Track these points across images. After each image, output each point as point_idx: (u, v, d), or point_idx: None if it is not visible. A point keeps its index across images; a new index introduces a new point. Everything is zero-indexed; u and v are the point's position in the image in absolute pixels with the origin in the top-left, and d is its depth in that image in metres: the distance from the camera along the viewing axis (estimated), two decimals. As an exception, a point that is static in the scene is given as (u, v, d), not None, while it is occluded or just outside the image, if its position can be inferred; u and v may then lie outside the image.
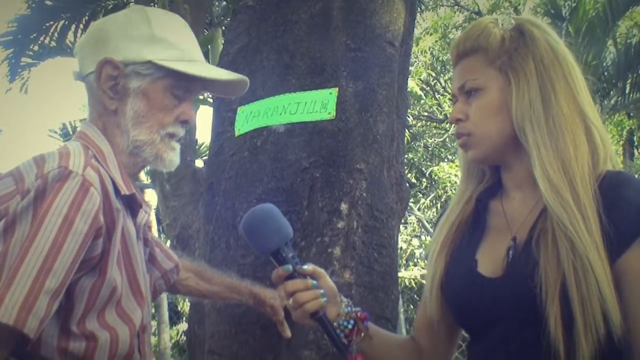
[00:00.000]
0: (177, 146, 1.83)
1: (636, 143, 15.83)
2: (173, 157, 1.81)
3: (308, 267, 1.63)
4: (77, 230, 1.53)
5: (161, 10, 1.93)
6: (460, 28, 16.73)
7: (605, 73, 11.13)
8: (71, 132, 12.92)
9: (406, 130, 6.67)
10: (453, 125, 1.68)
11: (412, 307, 13.90)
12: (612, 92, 11.30)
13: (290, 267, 1.60)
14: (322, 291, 1.61)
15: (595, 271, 1.38)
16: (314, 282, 1.61)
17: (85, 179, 1.58)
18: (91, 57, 1.79)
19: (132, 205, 1.78)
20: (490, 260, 1.55)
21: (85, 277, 1.61)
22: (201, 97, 6.43)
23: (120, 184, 1.71)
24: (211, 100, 4.66)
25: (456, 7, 17.36)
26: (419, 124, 16.79)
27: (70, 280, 1.55)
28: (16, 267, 1.46)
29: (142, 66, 1.75)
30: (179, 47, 1.79)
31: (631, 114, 14.08)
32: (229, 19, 7.28)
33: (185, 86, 1.79)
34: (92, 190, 1.58)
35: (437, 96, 16.70)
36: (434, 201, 14.80)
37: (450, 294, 1.61)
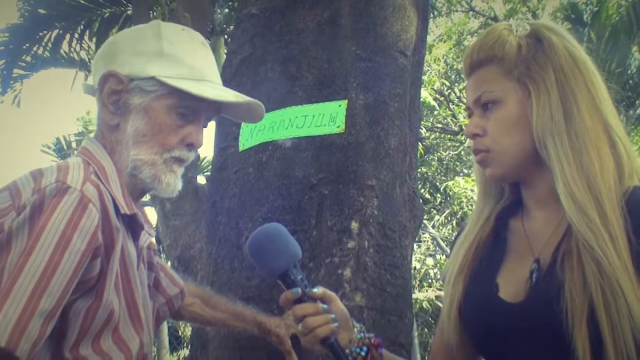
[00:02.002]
0: (180, 170, 1.82)
1: (663, 155, 15.76)
2: (171, 180, 1.79)
3: (318, 290, 1.62)
4: (74, 249, 1.53)
5: (177, 25, 1.92)
6: (475, 34, 16.74)
7: (630, 81, 11.11)
8: (65, 147, 12.93)
9: (419, 143, 6.66)
10: (469, 138, 1.67)
11: (427, 330, 13.84)
12: (637, 102, 11.28)
13: (299, 290, 1.60)
14: (333, 316, 1.61)
15: (625, 295, 1.37)
16: (325, 306, 1.61)
17: (84, 195, 1.57)
18: (100, 70, 1.80)
19: (134, 226, 1.78)
20: (511, 283, 1.54)
21: (81, 299, 1.60)
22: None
23: (121, 202, 1.71)
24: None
25: (471, 12, 17.38)
26: (433, 136, 16.78)
27: (65, 302, 1.54)
28: (10, 286, 1.45)
29: (146, 82, 1.75)
30: (187, 64, 1.78)
31: (658, 125, 14.05)
32: (231, 27, 7.31)
33: (192, 106, 1.78)
34: (91, 206, 1.58)
35: (451, 106, 16.69)
36: (449, 218, 14.77)
37: (469, 320, 1.59)
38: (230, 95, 1.83)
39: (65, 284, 1.52)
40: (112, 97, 1.77)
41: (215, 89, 1.81)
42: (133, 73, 1.75)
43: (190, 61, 1.79)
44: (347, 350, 1.64)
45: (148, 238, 1.87)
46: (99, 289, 1.62)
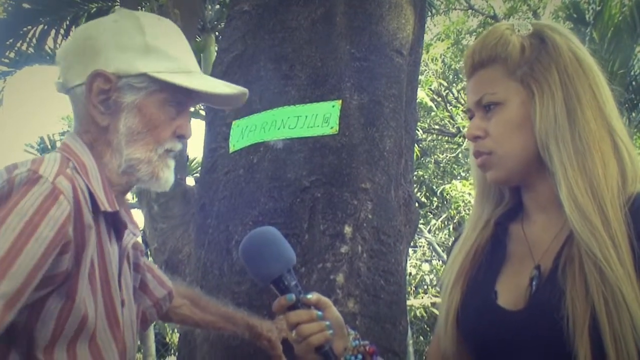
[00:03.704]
0: (173, 163, 1.84)
1: (667, 159, 15.77)
2: (169, 175, 1.83)
3: (312, 296, 1.62)
4: (41, 236, 1.52)
5: (153, 15, 1.95)
6: (474, 33, 16.76)
7: (633, 83, 11.12)
8: (50, 147, 12.92)
9: (415, 145, 6.67)
10: (466, 140, 1.68)
11: (422, 338, 13.86)
12: (640, 104, 11.30)
13: (293, 296, 1.59)
14: (327, 323, 1.60)
15: (628, 304, 1.37)
16: (319, 312, 1.61)
17: (56, 187, 1.58)
18: (78, 67, 1.80)
19: (116, 224, 1.78)
20: (511, 291, 1.54)
21: (53, 298, 1.60)
22: (192, 109, 6.42)
23: (102, 199, 1.70)
24: (204, 114, 4.67)
25: (470, 10, 17.39)
26: (430, 138, 16.81)
27: (30, 291, 1.52)
28: None
29: (136, 79, 1.76)
30: (174, 57, 1.81)
31: (661, 127, 14.08)
32: (222, 24, 7.30)
33: (182, 99, 1.81)
34: (62, 198, 1.57)
35: (449, 107, 16.70)
36: (445, 222, 14.78)
37: (467, 329, 1.59)
38: (226, 88, 1.88)
39: (30, 270, 1.50)
40: (100, 96, 1.76)
41: (208, 81, 1.85)
42: (121, 70, 1.76)
43: (175, 53, 1.82)
44: (341, 359, 1.64)
45: (133, 238, 1.87)
46: (70, 289, 1.62)
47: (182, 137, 1.84)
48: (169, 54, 1.80)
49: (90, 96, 1.77)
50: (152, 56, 1.77)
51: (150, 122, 1.77)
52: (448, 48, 16.59)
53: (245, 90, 1.91)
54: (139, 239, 2.00)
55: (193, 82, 1.79)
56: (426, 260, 14.66)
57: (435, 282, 13.62)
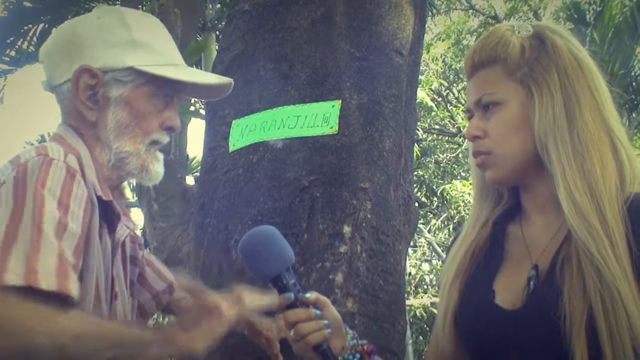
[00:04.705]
0: (162, 156, 1.87)
1: (667, 160, 15.75)
2: (159, 168, 1.85)
3: (311, 295, 1.63)
4: (74, 215, 1.56)
5: (136, 11, 1.98)
6: (475, 33, 16.75)
7: (634, 83, 11.11)
8: (50, 145, 12.90)
9: (415, 145, 6.67)
10: (467, 140, 1.68)
11: (421, 338, 13.85)
12: (640, 105, 11.29)
13: (291, 295, 1.60)
14: (326, 322, 1.61)
15: (624, 302, 1.38)
16: (318, 311, 1.61)
17: (69, 165, 1.61)
18: (64, 65, 1.81)
19: (109, 215, 1.78)
20: (509, 290, 1.55)
21: None
22: (192, 108, 6.42)
23: (97, 187, 1.72)
24: (203, 113, 4.67)
25: (470, 10, 17.37)
26: (430, 138, 16.80)
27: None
28: (36, 240, 1.46)
29: (123, 73, 1.79)
30: (160, 50, 1.84)
31: (662, 128, 14.06)
32: (223, 23, 7.29)
33: (168, 92, 1.84)
34: (78, 177, 1.61)
35: (449, 107, 16.70)
36: (445, 222, 14.78)
37: (465, 328, 1.60)
38: (213, 78, 1.93)
39: (81, 245, 1.56)
40: (87, 92, 1.79)
41: (193, 72, 1.90)
42: (107, 65, 1.78)
43: (161, 47, 1.85)
44: (339, 358, 1.64)
45: (127, 231, 1.88)
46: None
47: (170, 129, 1.87)
48: (154, 48, 1.83)
49: (77, 92, 1.79)
50: (138, 50, 1.80)
51: (138, 114, 1.80)
52: (449, 48, 16.59)
53: (231, 80, 1.94)
54: (138, 232, 2.01)
55: (179, 74, 1.82)
56: (426, 260, 14.67)
57: (435, 282, 13.62)
